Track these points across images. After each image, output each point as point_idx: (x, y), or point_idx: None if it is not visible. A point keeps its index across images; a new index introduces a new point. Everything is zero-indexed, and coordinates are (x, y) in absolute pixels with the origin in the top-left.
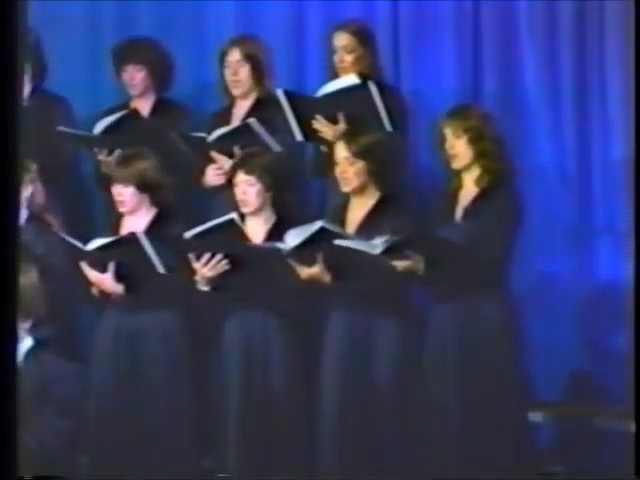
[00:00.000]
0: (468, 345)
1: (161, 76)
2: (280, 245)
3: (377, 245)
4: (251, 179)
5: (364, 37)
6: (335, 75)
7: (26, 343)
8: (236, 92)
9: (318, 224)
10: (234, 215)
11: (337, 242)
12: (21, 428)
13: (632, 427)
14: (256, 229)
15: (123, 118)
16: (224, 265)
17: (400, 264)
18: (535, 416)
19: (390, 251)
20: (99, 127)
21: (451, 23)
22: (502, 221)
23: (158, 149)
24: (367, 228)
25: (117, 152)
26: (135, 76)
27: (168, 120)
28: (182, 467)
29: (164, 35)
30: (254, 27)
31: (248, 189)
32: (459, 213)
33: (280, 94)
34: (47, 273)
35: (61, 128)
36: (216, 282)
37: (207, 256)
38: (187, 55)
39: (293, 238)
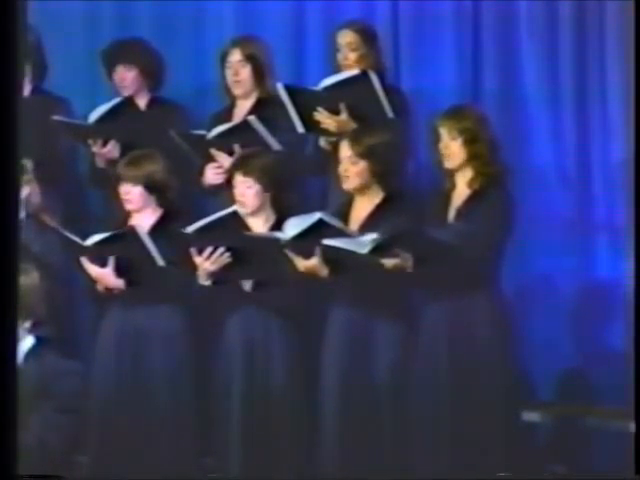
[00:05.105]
0: (461, 344)
1: (152, 75)
2: (279, 235)
3: (365, 244)
4: (249, 181)
5: (368, 35)
6: (339, 73)
7: (27, 342)
8: (237, 92)
9: (317, 215)
10: (236, 207)
11: (325, 242)
12: (21, 427)
13: (632, 427)
14: (256, 229)
15: (118, 107)
16: (226, 258)
17: (388, 262)
18: (534, 416)
19: (379, 249)
20: (94, 115)
21: (451, 23)
22: (493, 222)
23: (155, 143)
24: (370, 227)
25: (127, 154)
26: (125, 77)
27: (163, 117)
28: (183, 466)
29: (164, 35)
30: (254, 27)
31: (246, 191)
32: (452, 214)
33: (280, 88)
34: (46, 272)
35: (56, 117)
36: (218, 276)
37: (209, 250)
38: (187, 55)
39: (292, 228)
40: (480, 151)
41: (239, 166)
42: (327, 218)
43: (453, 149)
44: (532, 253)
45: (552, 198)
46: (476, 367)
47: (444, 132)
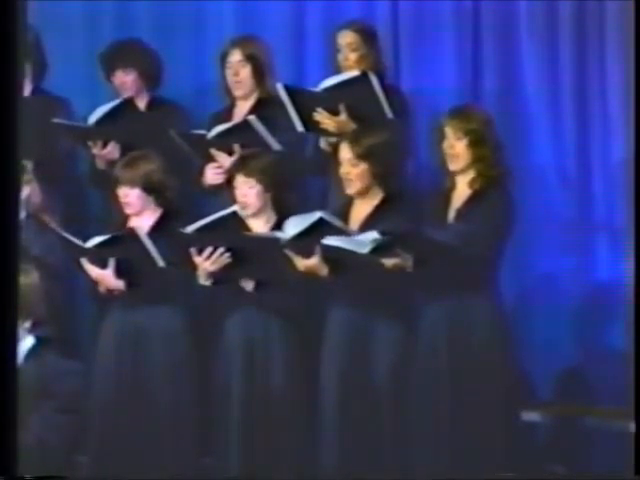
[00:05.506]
0: (461, 344)
1: (151, 76)
2: (279, 234)
3: (366, 243)
4: (250, 181)
5: (368, 35)
6: (339, 74)
7: (27, 342)
8: (237, 93)
9: (317, 215)
10: (236, 207)
11: (325, 241)
12: (21, 427)
13: (632, 427)
14: (257, 229)
15: (118, 108)
16: (226, 258)
17: (388, 262)
18: (534, 416)
19: (379, 249)
20: (94, 117)
21: (451, 23)
22: (493, 222)
23: (155, 143)
24: (370, 227)
25: (126, 155)
26: (125, 81)
27: (163, 118)
28: (183, 466)
29: (163, 35)
30: (254, 27)
31: (248, 191)
32: (452, 214)
33: (280, 88)
34: (46, 272)
35: (56, 120)
36: (218, 276)
37: (209, 250)
38: (187, 55)
39: (292, 227)
40: (485, 154)
41: (240, 167)
42: (328, 217)
43: (458, 150)
44: (532, 253)
45: (552, 198)
46: (476, 367)
47: (449, 132)
